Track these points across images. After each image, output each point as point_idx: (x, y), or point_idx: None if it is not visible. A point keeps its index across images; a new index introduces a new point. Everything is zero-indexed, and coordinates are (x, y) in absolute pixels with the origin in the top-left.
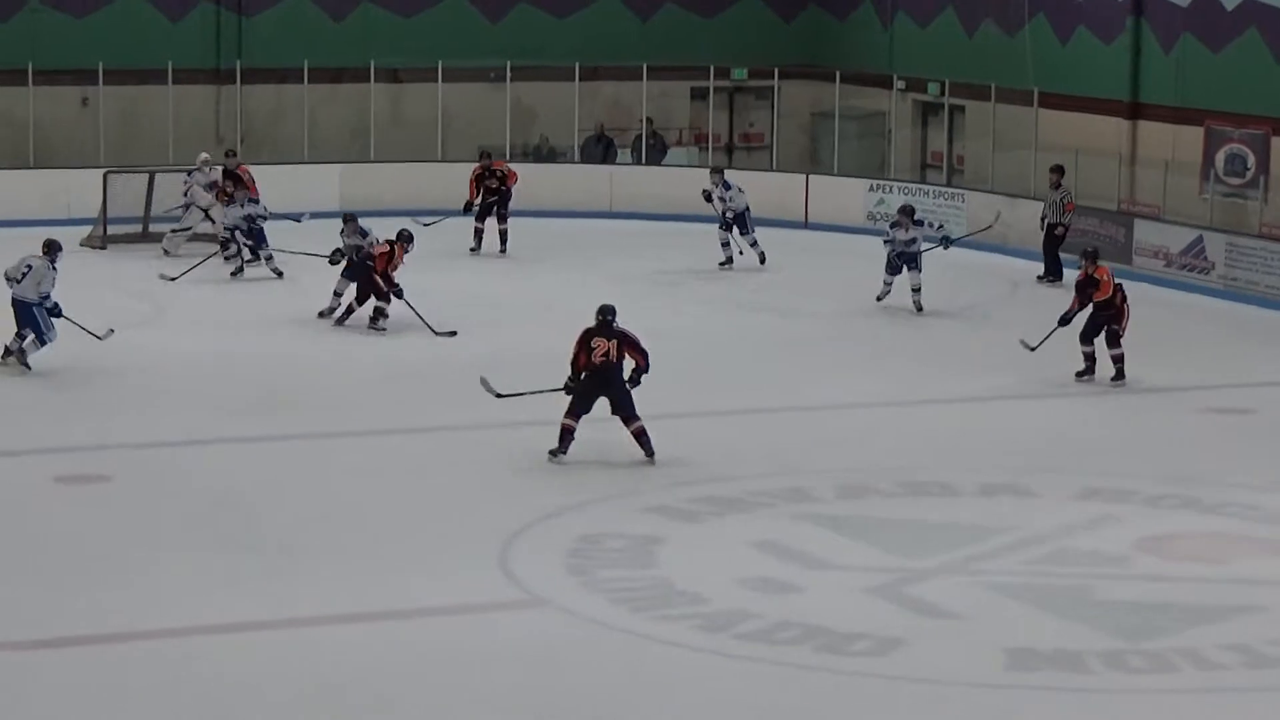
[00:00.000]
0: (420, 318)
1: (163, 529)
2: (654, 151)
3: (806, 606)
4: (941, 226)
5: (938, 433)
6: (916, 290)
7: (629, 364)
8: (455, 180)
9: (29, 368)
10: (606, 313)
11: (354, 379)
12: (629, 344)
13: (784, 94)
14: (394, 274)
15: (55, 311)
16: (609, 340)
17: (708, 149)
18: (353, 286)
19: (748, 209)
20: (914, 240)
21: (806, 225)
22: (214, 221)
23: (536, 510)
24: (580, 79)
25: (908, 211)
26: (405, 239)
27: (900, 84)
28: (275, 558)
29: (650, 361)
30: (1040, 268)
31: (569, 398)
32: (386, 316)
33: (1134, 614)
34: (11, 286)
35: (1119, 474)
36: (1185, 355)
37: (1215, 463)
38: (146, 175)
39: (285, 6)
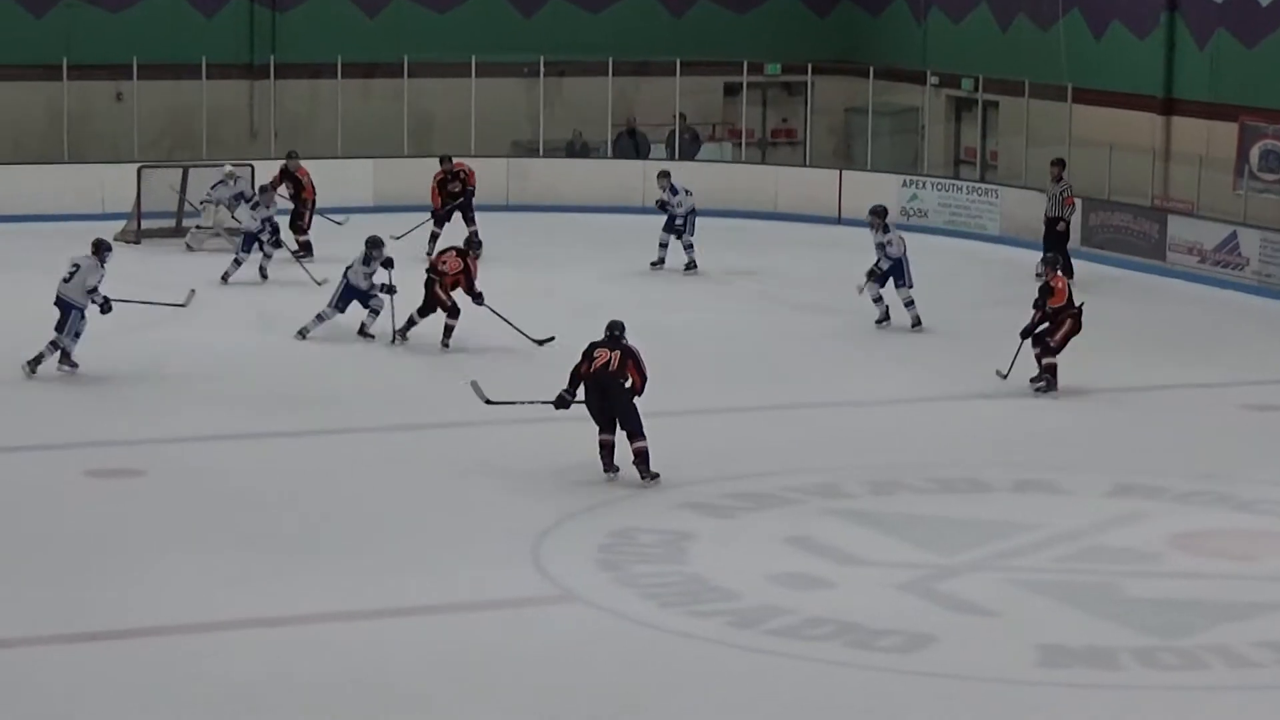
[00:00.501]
0: (511, 325)
1: (191, 525)
2: (687, 146)
3: (838, 602)
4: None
5: (969, 429)
6: (911, 303)
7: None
8: (488, 174)
9: (75, 366)
10: (615, 329)
11: (387, 376)
12: (631, 360)
13: (818, 89)
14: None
15: (106, 307)
16: (612, 351)
17: (741, 144)
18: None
19: (694, 211)
20: (882, 244)
21: (840, 221)
22: (240, 223)
23: (568, 506)
24: (614, 74)
25: (880, 212)
26: (476, 246)
27: (934, 79)
28: (305, 554)
29: (647, 385)
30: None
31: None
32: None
33: (1165, 611)
34: (60, 287)
35: (1151, 471)
36: (1218, 352)
37: (1247, 459)
38: (180, 170)
39: (319, 2)
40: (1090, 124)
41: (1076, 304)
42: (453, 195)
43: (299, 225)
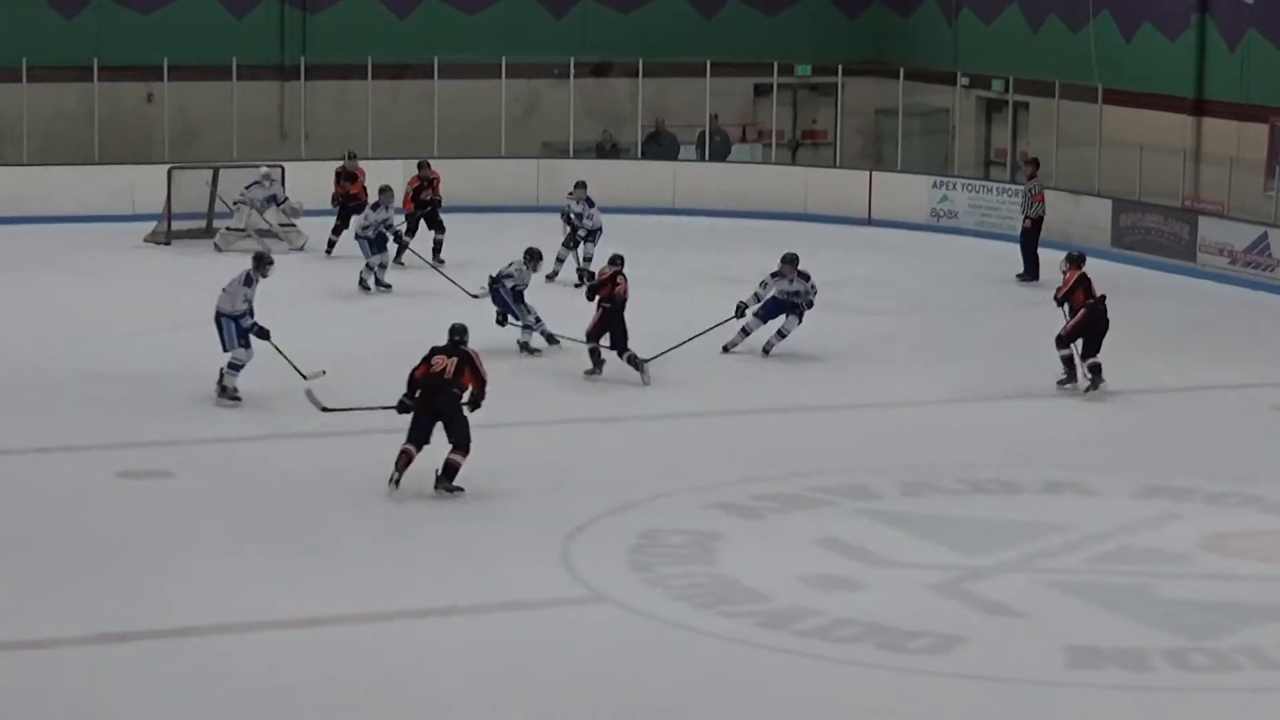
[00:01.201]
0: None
1: (223, 526)
2: (718, 148)
3: (868, 604)
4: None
5: (1000, 430)
6: (783, 335)
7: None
8: (520, 176)
9: (237, 399)
10: (456, 333)
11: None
12: (469, 366)
13: (848, 91)
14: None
15: (261, 334)
16: (450, 358)
17: (771, 146)
18: None
19: (600, 229)
20: (798, 292)
21: (870, 222)
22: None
23: (598, 507)
24: (644, 75)
25: (792, 260)
26: (620, 263)
27: (964, 80)
28: (337, 554)
29: (487, 390)
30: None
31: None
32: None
33: (1196, 612)
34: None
35: (1181, 472)
36: (1249, 353)
37: (1278, 461)
38: (211, 171)
39: (349, 3)
40: (1121, 125)
41: (1095, 296)
42: (424, 204)
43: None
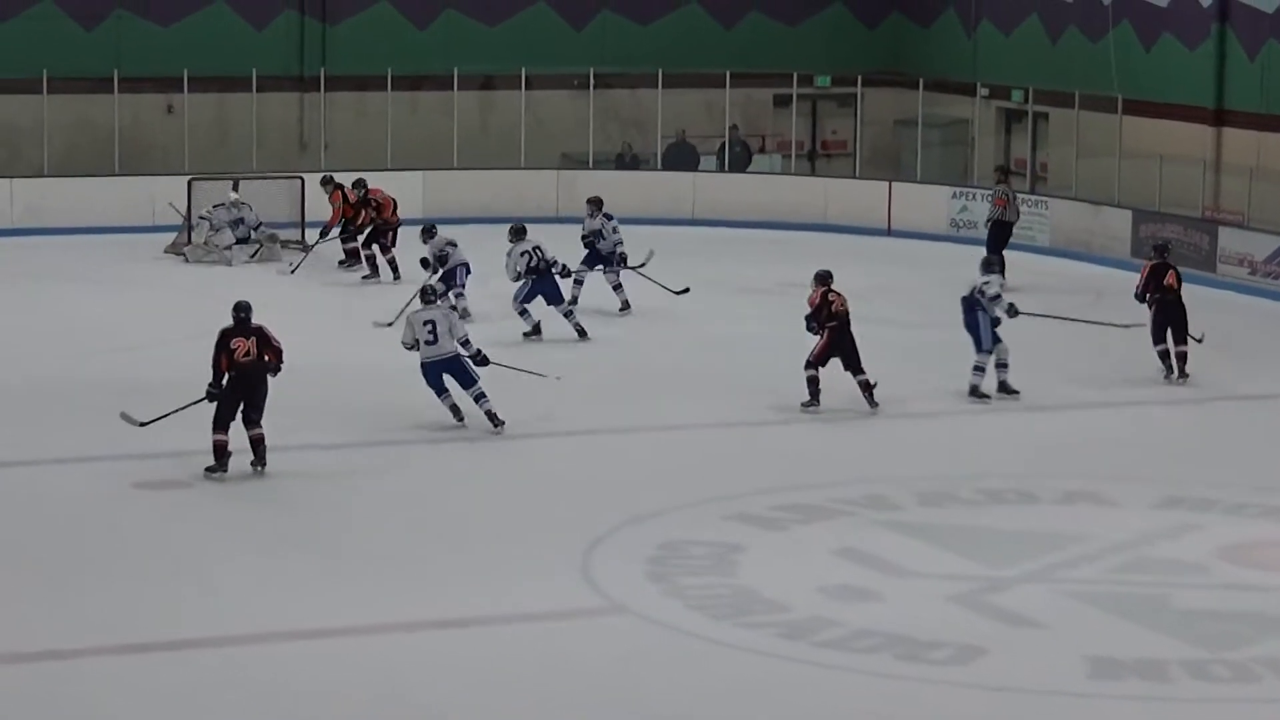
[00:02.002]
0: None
1: (239, 536)
2: (737, 158)
3: (887, 614)
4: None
5: (1018, 440)
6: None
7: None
8: (539, 187)
9: (500, 425)
10: (241, 309)
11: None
12: (266, 340)
13: (867, 101)
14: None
15: (481, 360)
16: (248, 339)
17: (791, 156)
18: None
19: (616, 250)
20: (599, 234)
21: (889, 233)
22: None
23: (617, 517)
24: (663, 86)
25: (595, 202)
26: (827, 280)
27: (984, 91)
28: (353, 564)
29: (284, 360)
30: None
31: (214, 409)
32: None
33: (1216, 623)
34: (423, 350)
35: (1200, 482)
36: (1269, 363)
37: None
38: (231, 182)
39: (369, 14)
40: (1140, 135)
41: (1162, 288)
42: (360, 225)
43: (384, 244)
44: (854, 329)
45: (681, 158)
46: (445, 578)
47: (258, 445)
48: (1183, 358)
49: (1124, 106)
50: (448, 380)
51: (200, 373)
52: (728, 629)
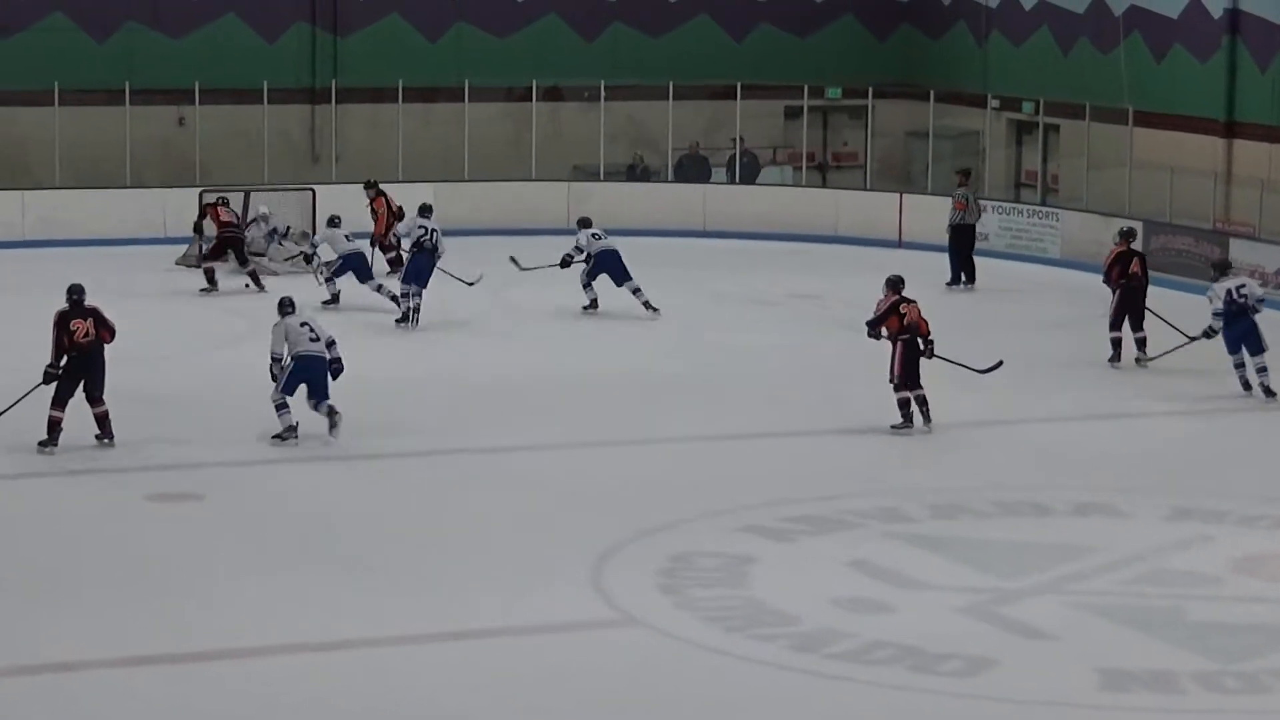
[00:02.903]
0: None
1: (252, 549)
2: (745, 169)
3: (899, 626)
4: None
5: (1031, 452)
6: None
7: None
8: (550, 199)
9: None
10: (75, 292)
11: (444, 398)
12: (101, 320)
13: (878, 113)
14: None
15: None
16: (85, 319)
17: (802, 168)
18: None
19: (594, 259)
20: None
21: (900, 244)
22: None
23: (629, 529)
24: (674, 98)
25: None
26: (898, 286)
27: (994, 103)
28: (364, 576)
29: (116, 336)
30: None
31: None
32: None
33: (1228, 635)
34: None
35: (1213, 494)
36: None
37: None
38: (242, 194)
39: (380, 26)
40: (1151, 147)
41: (1126, 275)
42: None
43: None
44: (868, 339)
45: (694, 170)
46: (455, 590)
47: (103, 421)
48: (1142, 343)
49: (1135, 118)
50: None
51: (214, 383)
52: (739, 641)
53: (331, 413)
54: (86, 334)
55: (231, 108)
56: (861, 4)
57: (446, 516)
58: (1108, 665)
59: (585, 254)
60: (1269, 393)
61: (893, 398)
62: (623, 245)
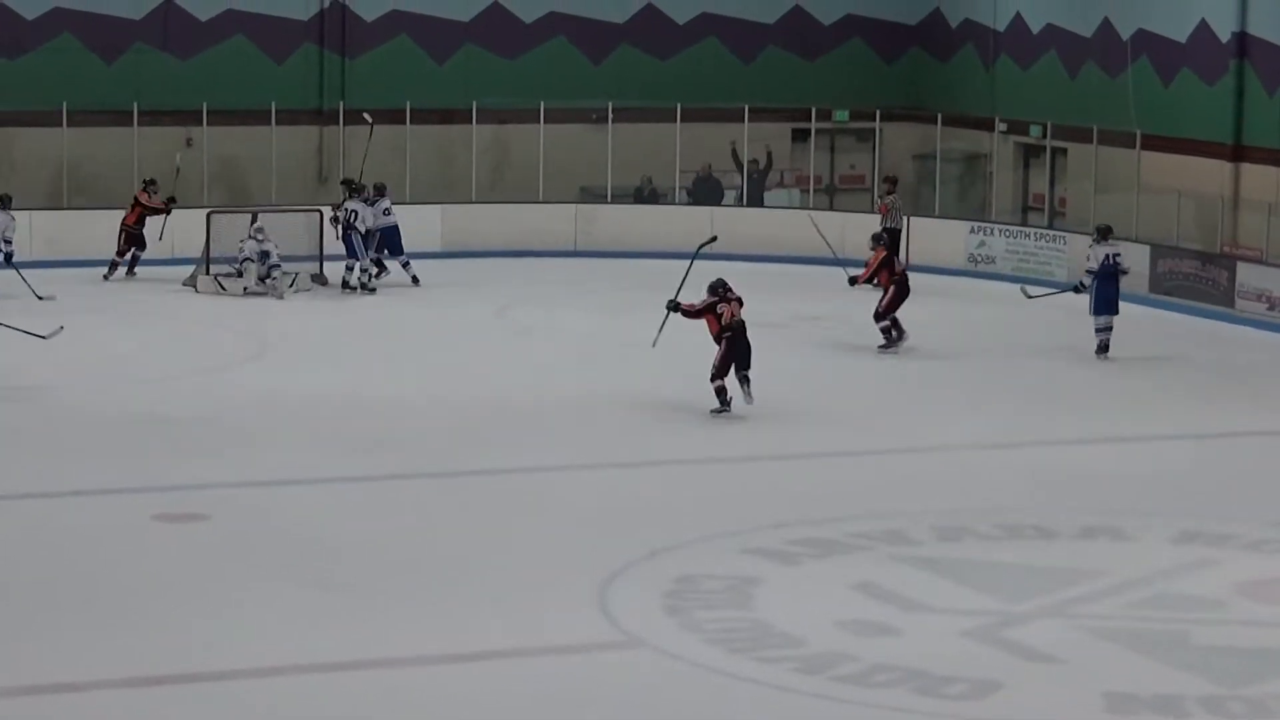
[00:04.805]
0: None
1: (257, 569)
2: (754, 185)
3: (904, 649)
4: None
5: (1036, 475)
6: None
7: None
8: (558, 221)
9: None
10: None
11: (450, 420)
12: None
13: (885, 136)
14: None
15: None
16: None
17: (809, 190)
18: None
19: (376, 230)
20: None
21: (907, 267)
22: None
23: (633, 552)
24: (682, 120)
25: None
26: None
27: (1002, 126)
28: (368, 597)
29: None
30: None
31: None
32: None
33: (1234, 659)
34: None
35: (1218, 517)
36: None
37: None
38: (249, 215)
39: (387, 48)
40: (1159, 170)
41: (897, 270)
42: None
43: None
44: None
45: (707, 192)
46: (460, 611)
47: None
48: (889, 330)
49: (1142, 142)
50: None
51: (221, 404)
52: (744, 663)
53: None
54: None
55: (239, 129)
56: (869, 27)
57: (452, 538)
58: (1113, 689)
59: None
60: (1104, 349)
61: (898, 422)
62: (631, 267)
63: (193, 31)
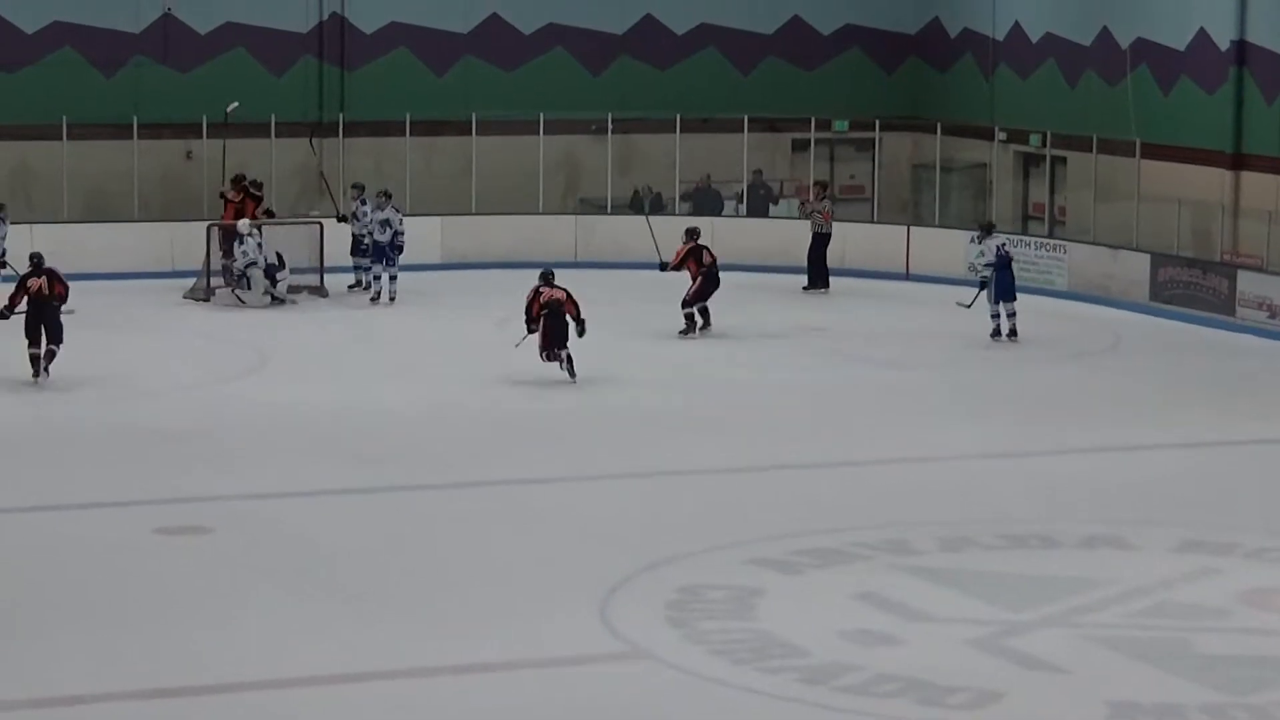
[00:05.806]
0: None
1: (260, 581)
2: (759, 202)
3: (907, 659)
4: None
5: (1038, 484)
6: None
7: None
8: (557, 232)
9: None
10: (36, 258)
11: (451, 431)
12: (56, 278)
13: (885, 146)
14: None
15: None
16: (39, 278)
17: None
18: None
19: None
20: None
21: (908, 277)
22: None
23: (636, 561)
24: (681, 131)
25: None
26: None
27: (1002, 135)
28: (371, 609)
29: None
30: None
31: None
32: None
33: (1237, 667)
34: None
35: (1220, 526)
36: None
37: None
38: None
39: (387, 60)
40: (1159, 179)
41: (705, 261)
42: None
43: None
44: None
45: (706, 202)
46: (463, 623)
47: (51, 356)
48: (695, 317)
49: (1142, 150)
50: None
51: (222, 416)
52: (747, 673)
53: None
54: (40, 289)
55: (239, 141)
56: (868, 37)
57: (455, 550)
58: (1117, 698)
59: None
60: (1014, 334)
61: (900, 432)
62: (629, 278)
63: (192, 45)
